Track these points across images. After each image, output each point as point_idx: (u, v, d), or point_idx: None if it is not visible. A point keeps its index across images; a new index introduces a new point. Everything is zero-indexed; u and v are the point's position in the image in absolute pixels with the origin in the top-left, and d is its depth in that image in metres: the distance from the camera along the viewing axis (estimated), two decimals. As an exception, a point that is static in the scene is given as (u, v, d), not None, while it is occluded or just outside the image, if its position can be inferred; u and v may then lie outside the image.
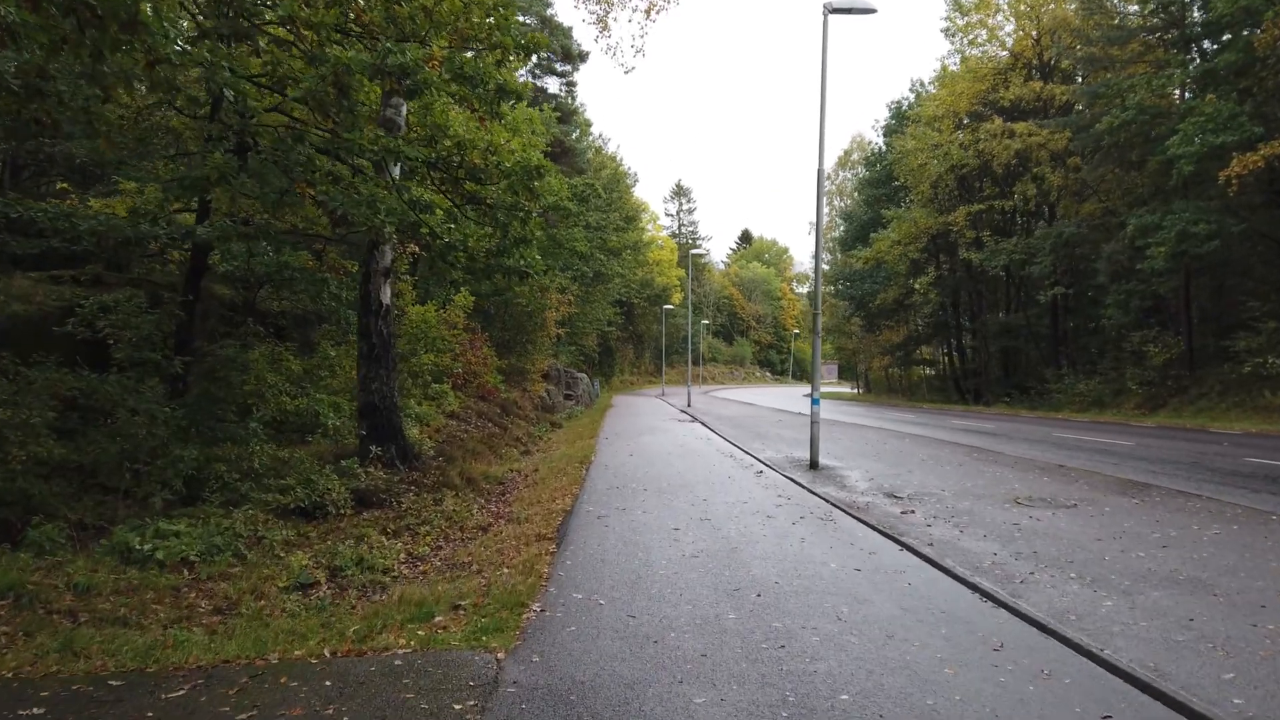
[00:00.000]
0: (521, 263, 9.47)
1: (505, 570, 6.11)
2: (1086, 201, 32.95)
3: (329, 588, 6.24)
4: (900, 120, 47.22)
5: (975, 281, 42.94)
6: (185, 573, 6.11)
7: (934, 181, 38.20)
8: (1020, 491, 10.20)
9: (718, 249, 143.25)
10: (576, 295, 36.35)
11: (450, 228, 9.38)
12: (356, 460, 10.24)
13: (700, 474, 12.41)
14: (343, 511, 8.78)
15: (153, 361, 10.04)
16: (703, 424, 24.25)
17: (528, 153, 8.55)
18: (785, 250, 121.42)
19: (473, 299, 17.93)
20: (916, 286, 39.71)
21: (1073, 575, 6.13)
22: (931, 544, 7.26)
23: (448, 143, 8.53)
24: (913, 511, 9.05)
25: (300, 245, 17.80)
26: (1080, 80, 34.89)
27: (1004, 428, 21.39)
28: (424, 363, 16.14)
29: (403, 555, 7.42)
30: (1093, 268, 33.20)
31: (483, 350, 21.88)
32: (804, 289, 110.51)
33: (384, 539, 7.94)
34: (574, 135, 43.80)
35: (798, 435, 19.47)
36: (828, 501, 9.73)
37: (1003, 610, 5.32)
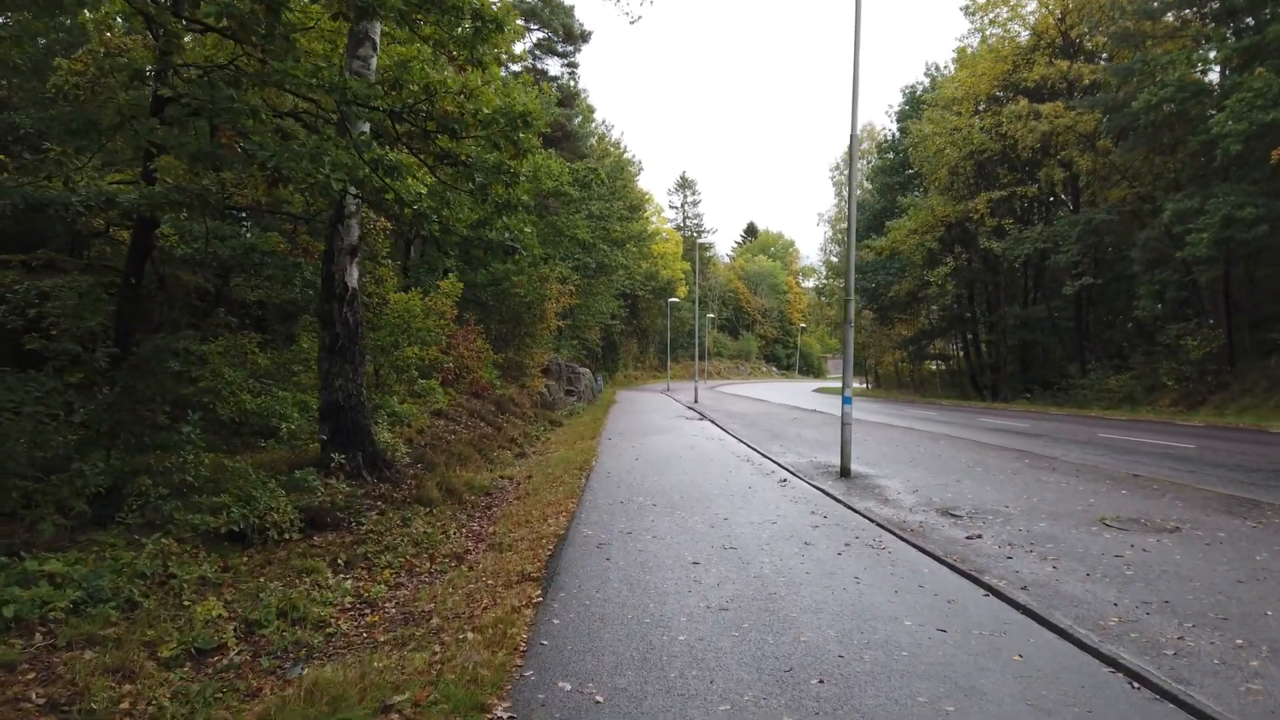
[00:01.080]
0: (507, 235, 7.86)
1: (469, 635, 4.51)
2: (1116, 187, 31.18)
3: (235, 655, 4.66)
4: (915, 105, 45.46)
5: (993, 273, 41.27)
6: (38, 636, 4.53)
7: (952, 168, 36.46)
8: (1100, 508, 8.58)
9: (723, 242, 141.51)
10: (578, 286, 34.74)
11: (421, 193, 7.79)
12: (313, 470, 8.66)
13: (717, 483, 10.81)
14: (287, 536, 7.19)
15: (71, 354, 8.53)
16: (712, 422, 22.65)
17: (512, 97, 6.93)
18: (791, 243, 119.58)
19: (462, 286, 16.31)
20: (932, 279, 37.94)
21: (1239, 641, 4.53)
22: (1025, 587, 5.66)
23: (414, 87, 6.94)
24: (979, 536, 7.44)
25: (270, 225, 16.21)
26: (1105, 60, 33.13)
27: (1040, 427, 19.75)
28: (407, 356, 14.56)
29: (349, 599, 5.84)
30: (1123, 256, 31.53)
31: (476, 343, 20.33)
32: (810, 283, 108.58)
33: (330, 574, 6.36)
34: (576, 120, 42.12)
35: (818, 436, 17.86)
36: (873, 521, 8.13)
37: (1170, 706, 3.73)
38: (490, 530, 8.32)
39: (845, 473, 11.42)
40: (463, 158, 7.25)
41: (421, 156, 7.57)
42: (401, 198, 7.73)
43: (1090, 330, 35.29)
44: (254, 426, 11.24)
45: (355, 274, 9.79)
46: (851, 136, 11.78)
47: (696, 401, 34.00)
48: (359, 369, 9.70)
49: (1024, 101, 31.93)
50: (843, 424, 11.43)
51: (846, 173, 70.13)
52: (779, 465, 12.80)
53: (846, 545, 7.05)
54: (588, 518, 8.26)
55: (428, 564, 6.96)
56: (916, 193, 43.46)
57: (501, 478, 12.49)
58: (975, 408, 31.94)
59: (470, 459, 13.10)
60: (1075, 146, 31.34)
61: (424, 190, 8.82)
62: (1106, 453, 13.64)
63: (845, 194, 70.84)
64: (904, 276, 42.67)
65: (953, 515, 8.47)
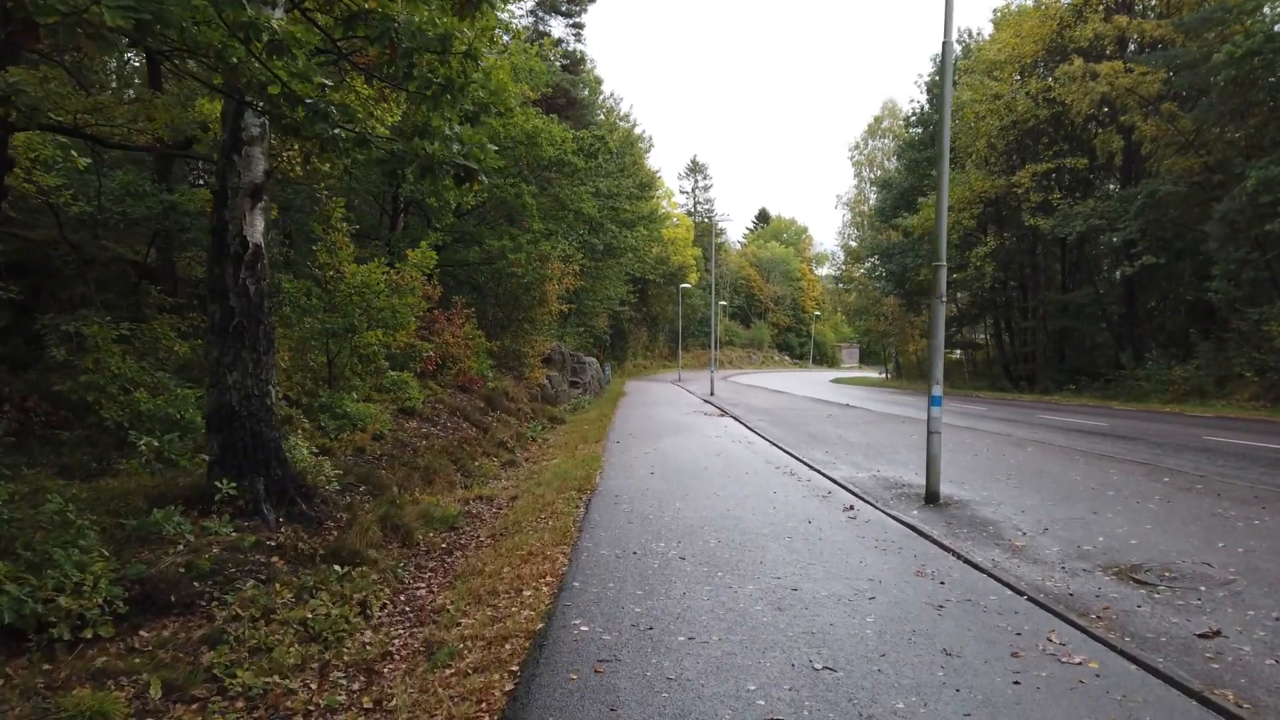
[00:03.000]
0: (456, 149, 4.97)
1: None
2: (1183, 155, 27.94)
3: None
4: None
5: (1029, 254, 38.17)
6: None
7: (992, 138, 33.25)
8: (1360, 571, 5.69)
9: (734, 228, 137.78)
10: (585, 268, 31.86)
11: (326, 84, 4.95)
12: (178, 509, 5.88)
13: (763, 513, 7.97)
14: (91, 633, 4.40)
15: None
16: (735, 418, 19.80)
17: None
18: (805, 230, 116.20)
19: (435, 256, 13.42)
20: (971, 259, 34.82)
21: None
22: None
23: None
24: (1218, 633, 4.57)
25: (187, 177, 13.36)
26: (1156, 18, 29.87)
27: (1120, 426, 16.79)
28: (369, 341, 11.77)
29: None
30: (1180, 234, 28.41)
31: (465, 328, 17.53)
32: (824, 270, 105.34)
33: (116, 728, 3.55)
34: (584, 92, 39.07)
35: (866, 438, 14.97)
36: (1023, 595, 5.26)
37: None
38: (436, 604, 5.50)
39: (933, 497, 8.55)
40: (371, 9, 4.42)
41: (319, 22, 4.76)
42: (291, 91, 4.90)
43: (1139, 316, 32.23)
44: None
45: (260, 225, 6.95)
46: (948, 18, 8.85)
47: (713, 394, 31.16)
48: (265, 359, 6.88)
49: (1079, 61, 28.66)
50: (929, 432, 8.53)
51: (867, 152, 66.83)
52: (835, 482, 9.94)
53: (1014, 656, 4.19)
54: (583, 588, 5.41)
55: (311, 689, 4.14)
56: (950, 168, 40.25)
57: (479, 498, 9.70)
58: (1022, 401, 28.90)
59: (441, 473, 10.29)
60: (1137, 110, 28.07)
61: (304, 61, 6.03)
62: (1250, 465, 10.68)
63: (865, 175, 67.74)
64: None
65: (1139, 581, 5.59)
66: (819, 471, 10.88)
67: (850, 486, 9.61)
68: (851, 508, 8.38)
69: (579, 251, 28.08)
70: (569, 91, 32.45)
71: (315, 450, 8.90)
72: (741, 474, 10.76)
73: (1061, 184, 34.58)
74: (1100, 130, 31.95)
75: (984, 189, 34.13)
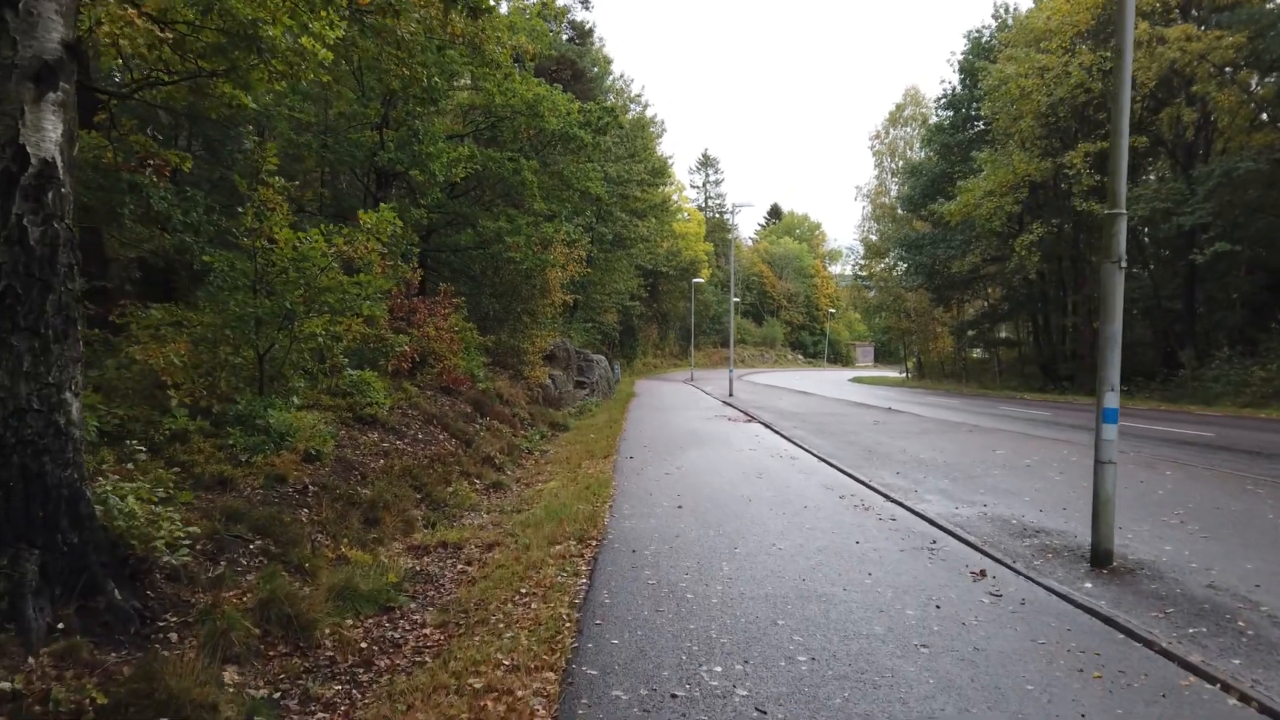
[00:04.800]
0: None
1: None
2: (1259, 130, 24.99)
3: None
4: (980, 53, 39.22)
5: (1070, 245, 35.16)
6: None
7: (1040, 115, 30.30)
8: None
9: (746, 224, 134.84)
10: (593, 257, 29.12)
11: None
12: None
13: (858, 586, 5.22)
14: None
15: None
16: (765, 425, 17.04)
17: None
18: (818, 225, 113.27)
19: (394, 219, 10.55)
20: (1016, 248, 31.78)
21: None
22: None
23: None
24: None
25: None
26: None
27: (1233, 437, 13.92)
28: (312, 331, 9.05)
29: None
30: (1256, 218, 25.43)
31: (451, 320, 14.85)
32: (837, 267, 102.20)
33: None
34: (591, 69, 36.33)
35: (936, 453, 12.18)
36: None
37: None
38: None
39: (1103, 558, 5.76)
40: None
41: None
42: None
43: (1195, 312, 29.27)
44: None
45: (52, 131, 4.20)
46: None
47: (732, 395, 28.39)
48: (58, 350, 4.15)
49: (1144, 25, 25.73)
50: (1100, 461, 5.74)
51: (888, 141, 63.85)
52: (933, 524, 7.17)
53: None
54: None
55: None
56: (986, 150, 37.13)
57: (442, 545, 7.00)
58: (1079, 404, 25.91)
59: (394, 507, 7.57)
60: (1210, 80, 25.10)
61: None
62: None
63: (887, 165, 64.53)
64: (973, 248, 36.50)
65: None
66: (901, 504, 8.12)
67: (961, 533, 6.83)
68: (983, 573, 5.62)
69: (585, 234, 25.35)
70: (575, 64, 29.71)
71: (214, 479, 6.22)
72: (799, 507, 8.02)
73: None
74: (1148, 111, 29.04)
75: (1029, 171, 31.17)
